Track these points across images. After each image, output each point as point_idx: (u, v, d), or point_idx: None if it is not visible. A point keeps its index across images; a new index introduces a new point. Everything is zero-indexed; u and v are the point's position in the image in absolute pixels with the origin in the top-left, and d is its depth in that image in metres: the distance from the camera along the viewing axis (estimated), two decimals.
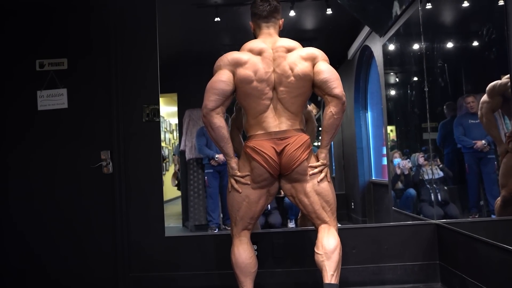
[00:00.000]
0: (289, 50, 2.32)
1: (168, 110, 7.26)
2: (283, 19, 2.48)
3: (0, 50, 3.28)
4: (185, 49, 5.35)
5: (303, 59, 2.30)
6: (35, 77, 3.24)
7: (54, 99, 3.23)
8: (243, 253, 2.36)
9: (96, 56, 3.27)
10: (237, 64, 2.29)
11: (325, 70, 2.29)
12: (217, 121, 2.29)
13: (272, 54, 2.31)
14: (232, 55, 2.32)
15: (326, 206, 2.35)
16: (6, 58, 3.28)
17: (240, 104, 2.43)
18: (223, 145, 2.32)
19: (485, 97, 2.98)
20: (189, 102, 5.89)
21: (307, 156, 2.31)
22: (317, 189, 2.34)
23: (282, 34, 2.47)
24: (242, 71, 2.28)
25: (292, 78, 2.29)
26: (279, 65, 2.29)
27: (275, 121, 2.32)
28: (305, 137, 2.32)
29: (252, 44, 2.35)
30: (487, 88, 2.93)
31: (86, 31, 3.29)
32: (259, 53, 2.31)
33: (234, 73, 2.30)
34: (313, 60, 2.31)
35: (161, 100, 3.27)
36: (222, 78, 2.29)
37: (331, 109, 2.28)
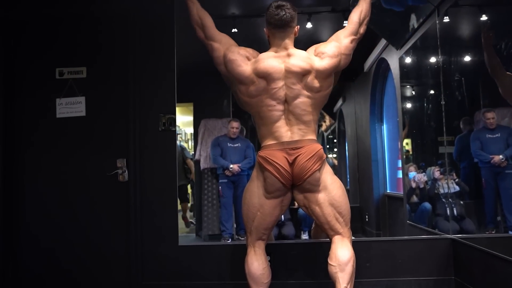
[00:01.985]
0: (303, 73, 2.29)
1: (183, 120, 7.31)
2: (298, 26, 2.42)
3: (22, 58, 3.35)
4: (201, 59, 5.38)
5: (317, 74, 2.30)
6: (55, 85, 3.30)
7: (72, 107, 3.28)
8: (257, 263, 2.36)
9: (114, 65, 3.32)
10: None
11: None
12: None
13: (283, 71, 2.29)
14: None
15: (339, 217, 2.34)
16: (27, 66, 3.34)
17: (250, 113, 2.42)
18: None
19: None
20: (205, 112, 5.93)
21: (320, 167, 2.30)
22: (330, 199, 2.32)
23: (298, 45, 2.45)
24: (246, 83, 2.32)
25: (306, 94, 2.29)
26: (293, 83, 2.28)
27: (287, 131, 2.31)
28: (317, 147, 2.30)
29: (260, 65, 2.30)
30: None
31: (105, 40, 3.34)
32: (264, 76, 2.29)
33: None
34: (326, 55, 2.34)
35: (177, 109, 3.30)
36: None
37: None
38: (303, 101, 2.29)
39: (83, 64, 3.32)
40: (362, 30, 2.48)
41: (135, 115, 3.26)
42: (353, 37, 2.43)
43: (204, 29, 2.48)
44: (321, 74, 2.30)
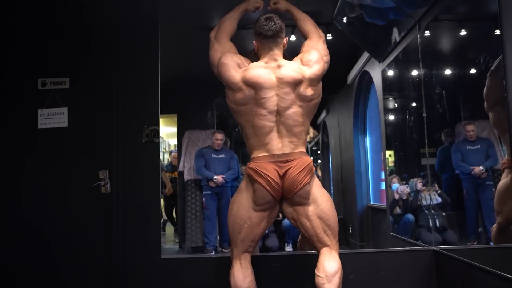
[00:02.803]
0: (296, 83, 2.31)
1: (167, 131, 7.29)
2: (287, 38, 2.45)
3: (3, 68, 3.31)
4: (186, 70, 5.40)
5: (309, 83, 2.33)
6: (37, 95, 3.26)
7: (54, 118, 3.25)
8: (243, 276, 2.34)
9: (97, 76, 3.29)
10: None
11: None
12: None
13: (274, 82, 2.30)
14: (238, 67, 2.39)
15: (327, 230, 2.34)
16: (9, 76, 3.30)
17: (239, 122, 2.42)
18: None
19: None
20: (189, 123, 5.92)
21: (310, 180, 2.31)
22: (319, 212, 2.33)
23: (283, 57, 2.47)
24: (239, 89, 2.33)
25: (299, 104, 2.32)
26: (286, 93, 2.30)
27: (279, 143, 2.31)
28: (307, 160, 2.32)
29: (249, 73, 2.32)
30: None
31: (89, 51, 3.31)
32: (252, 85, 2.30)
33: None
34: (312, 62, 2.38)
35: (160, 120, 3.28)
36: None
37: None
38: (295, 111, 2.31)
39: (66, 75, 3.28)
40: (321, 32, 2.57)
41: (118, 126, 3.24)
42: (322, 39, 2.53)
43: (218, 30, 2.53)
44: (313, 82, 2.34)
